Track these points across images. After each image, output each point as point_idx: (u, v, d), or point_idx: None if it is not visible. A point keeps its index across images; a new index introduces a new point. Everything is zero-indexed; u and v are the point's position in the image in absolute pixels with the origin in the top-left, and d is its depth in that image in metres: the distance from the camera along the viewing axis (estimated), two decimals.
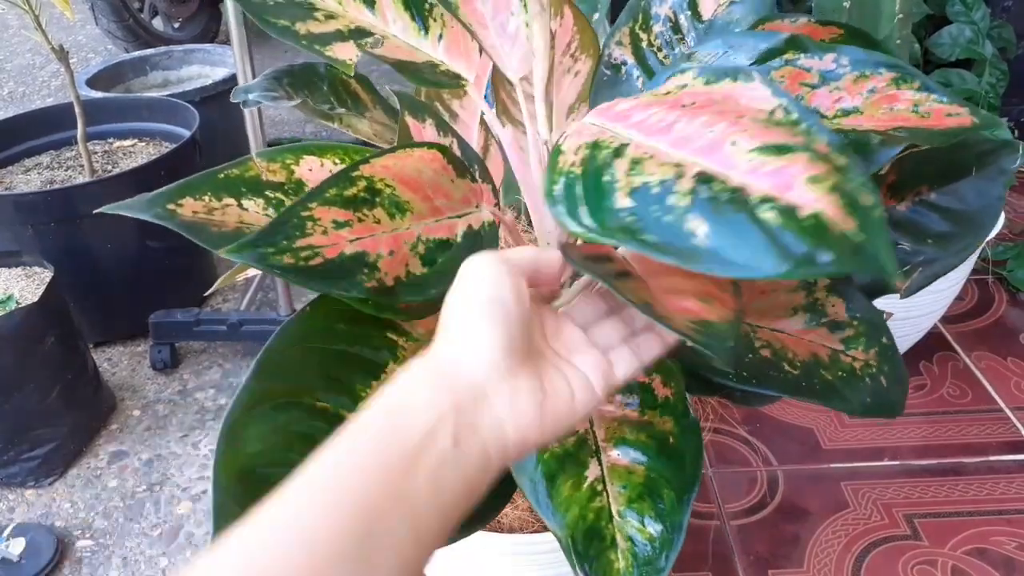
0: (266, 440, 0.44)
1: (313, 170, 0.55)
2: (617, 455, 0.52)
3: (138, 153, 1.55)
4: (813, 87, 0.52)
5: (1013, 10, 1.61)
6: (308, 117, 0.60)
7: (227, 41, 2.01)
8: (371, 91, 0.65)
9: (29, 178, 1.47)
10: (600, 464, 0.52)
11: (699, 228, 0.33)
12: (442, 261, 0.47)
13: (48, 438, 1.16)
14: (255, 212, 0.53)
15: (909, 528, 0.97)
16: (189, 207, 0.53)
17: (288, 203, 0.54)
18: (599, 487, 0.51)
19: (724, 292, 0.44)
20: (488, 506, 0.51)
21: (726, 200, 0.33)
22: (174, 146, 1.46)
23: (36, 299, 1.13)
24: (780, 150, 0.34)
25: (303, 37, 0.57)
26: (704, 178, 0.34)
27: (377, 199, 0.46)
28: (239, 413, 0.44)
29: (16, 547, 1.04)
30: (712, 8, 0.62)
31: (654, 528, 0.49)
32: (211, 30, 2.95)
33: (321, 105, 0.63)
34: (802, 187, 0.32)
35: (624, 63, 0.64)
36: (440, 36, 0.61)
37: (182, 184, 0.54)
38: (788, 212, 0.32)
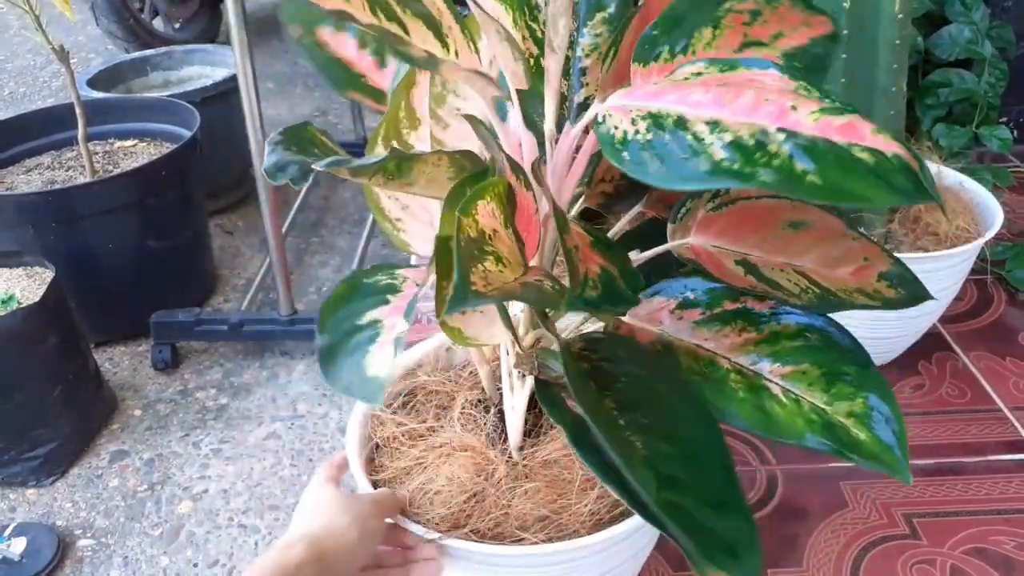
0: None
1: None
2: (777, 367, 0.59)
3: (139, 153, 1.56)
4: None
5: (1013, 10, 1.61)
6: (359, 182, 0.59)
7: (227, 41, 2.01)
8: (333, 141, 0.66)
9: (30, 178, 1.48)
10: (773, 381, 0.59)
11: (808, 168, 0.40)
12: None
13: (49, 438, 1.17)
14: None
15: (908, 527, 0.97)
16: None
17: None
18: (794, 396, 0.57)
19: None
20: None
21: (821, 147, 0.41)
22: (175, 146, 1.46)
23: (37, 299, 1.14)
24: (835, 111, 0.42)
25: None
26: (789, 133, 0.42)
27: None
28: None
29: (17, 546, 1.04)
30: None
31: (862, 399, 0.56)
32: (211, 30, 2.95)
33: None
34: (872, 136, 0.40)
35: (532, 55, 0.66)
36: (456, 53, 0.62)
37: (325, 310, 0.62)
38: (877, 153, 0.40)
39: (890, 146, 0.40)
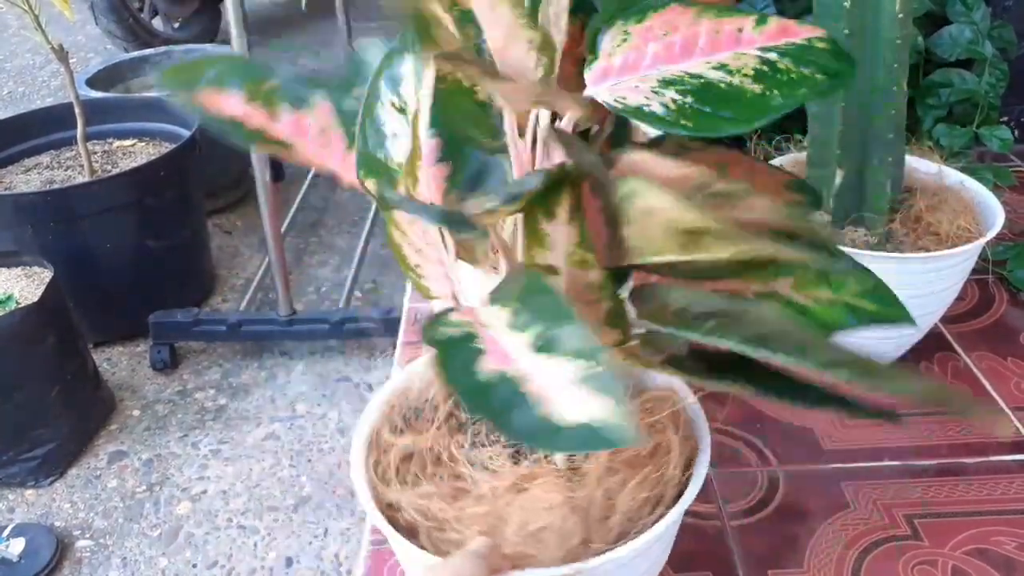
0: None
1: None
2: (783, 281, 0.62)
3: (138, 153, 1.55)
4: None
5: (1014, 10, 1.61)
6: None
7: (227, 41, 2.01)
8: None
9: (29, 178, 1.47)
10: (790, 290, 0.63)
11: (809, 71, 0.46)
12: None
13: (48, 438, 1.16)
14: None
15: (909, 528, 0.97)
16: None
17: None
18: (814, 297, 0.62)
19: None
20: None
21: (796, 52, 0.47)
22: (174, 146, 1.46)
23: (36, 299, 1.13)
24: (760, 22, 0.48)
25: None
26: (768, 49, 0.47)
27: None
28: None
29: (16, 547, 1.04)
30: None
31: (853, 282, 0.62)
32: (211, 30, 2.95)
33: None
34: (802, 29, 0.46)
35: None
36: None
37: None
38: (822, 39, 0.46)
39: (816, 30, 0.46)
